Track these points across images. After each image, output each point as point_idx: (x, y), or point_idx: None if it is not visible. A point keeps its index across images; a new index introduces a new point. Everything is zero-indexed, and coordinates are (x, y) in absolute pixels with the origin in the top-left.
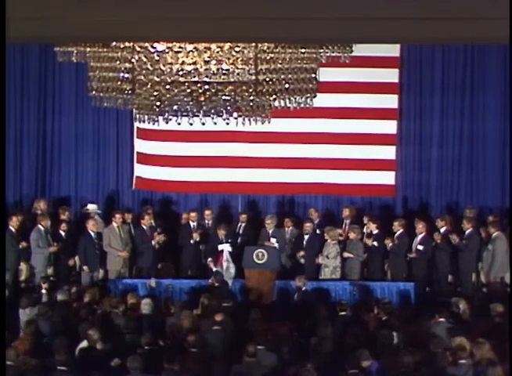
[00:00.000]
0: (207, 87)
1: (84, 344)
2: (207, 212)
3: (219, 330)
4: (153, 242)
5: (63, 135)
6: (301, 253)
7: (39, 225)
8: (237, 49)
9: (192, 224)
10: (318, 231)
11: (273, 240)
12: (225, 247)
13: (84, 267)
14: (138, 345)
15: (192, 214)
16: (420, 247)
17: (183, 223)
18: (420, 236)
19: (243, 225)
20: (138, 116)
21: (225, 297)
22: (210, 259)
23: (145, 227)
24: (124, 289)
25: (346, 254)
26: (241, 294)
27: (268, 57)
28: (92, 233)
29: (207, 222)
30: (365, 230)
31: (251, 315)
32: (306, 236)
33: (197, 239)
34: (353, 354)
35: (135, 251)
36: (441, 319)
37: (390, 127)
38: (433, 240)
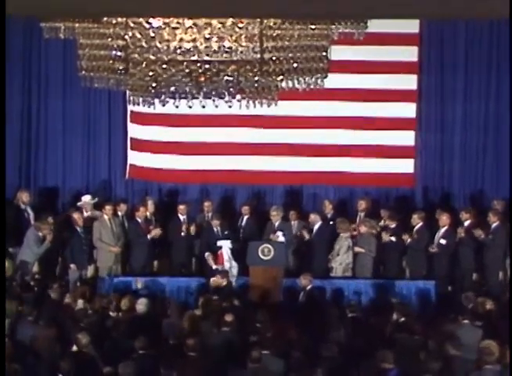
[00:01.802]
0: (207, 66)
1: (74, 348)
2: (207, 204)
3: (223, 333)
4: (148, 236)
5: (49, 119)
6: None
7: (35, 230)
8: (240, 25)
9: (182, 217)
10: (329, 224)
11: (279, 233)
12: (225, 244)
13: (72, 265)
14: (132, 348)
15: (181, 206)
16: (443, 242)
17: (174, 216)
18: (443, 230)
19: (246, 217)
20: (132, 98)
21: (227, 297)
22: (207, 254)
23: (139, 220)
24: (117, 288)
25: (357, 249)
26: (245, 293)
27: (274, 34)
28: (78, 228)
29: (206, 214)
30: (382, 223)
31: (256, 316)
32: (315, 229)
33: (191, 233)
34: (372, 357)
35: (128, 246)
36: (465, 321)
37: (408, 110)
38: (456, 235)
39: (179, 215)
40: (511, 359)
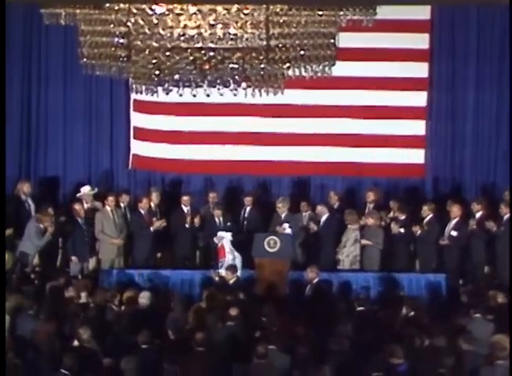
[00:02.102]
0: (212, 54)
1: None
2: (212, 195)
3: (228, 328)
4: (151, 228)
5: (50, 107)
6: (315, 228)
7: (36, 223)
8: (246, 12)
9: (185, 209)
10: (336, 216)
11: (286, 225)
12: (226, 236)
13: (73, 257)
14: (135, 343)
15: (185, 197)
16: (454, 234)
17: (177, 208)
18: (453, 221)
19: (249, 208)
20: (134, 86)
21: (232, 290)
22: (216, 240)
23: (142, 211)
24: (119, 281)
25: (364, 242)
26: (250, 286)
27: (280, 20)
28: (80, 220)
29: (211, 206)
30: (391, 215)
31: (262, 310)
32: (322, 221)
33: (195, 225)
34: (381, 351)
35: (131, 239)
36: (477, 315)
37: (419, 99)
38: (467, 226)
39: (183, 207)
40: (511, 359)
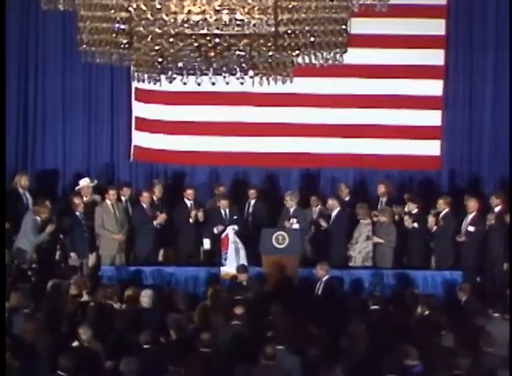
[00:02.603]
0: (217, 40)
1: (75, 343)
2: (222, 189)
3: (234, 327)
4: (154, 223)
5: (47, 97)
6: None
7: (33, 215)
8: None
9: (189, 202)
10: (347, 210)
11: (294, 220)
12: (229, 228)
13: (72, 254)
14: (137, 343)
15: (189, 191)
16: (471, 229)
17: (180, 202)
18: (470, 216)
19: (253, 201)
20: (136, 74)
21: (239, 288)
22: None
23: (144, 205)
24: (120, 278)
25: (376, 240)
26: (257, 284)
27: (290, 5)
28: (79, 214)
29: (218, 198)
30: (406, 209)
31: (270, 309)
32: (333, 215)
33: (199, 219)
34: (395, 352)
35: (132, 234)
36: (496, 315)
37: (435, 87)
38: (485, 221)
39: (186, 200)
40: (511, 358)
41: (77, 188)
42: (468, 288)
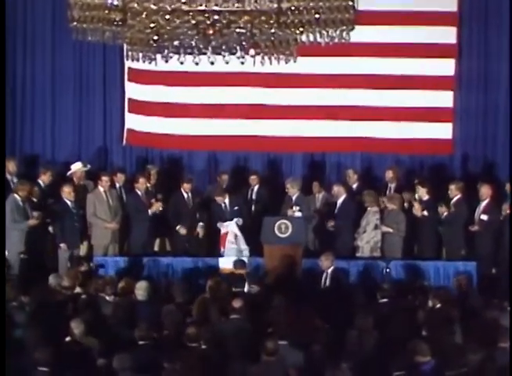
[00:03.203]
0: (216, 17)
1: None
2: (225, 177)
3: (233, 321)
4: (149, 211)
5: (36, 77)
6: (332, 223)
7: (15, 195)
8: None
9: (185, 195)
10: (355, 197)
11: (296, 208)
12: (231, 225)
13: (62, 244)
14: (131, 339)
15: (186, 185)
16: (484, 217)
17: (177, 189)
18: (483, 203)
19: (256, 188)
20: (130, 53)
21: (239, 280)
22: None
23: (139, 192)
24: (114, 269)
25: (384, 229)
26: (258, 276)
27: None
28: (69, 202)
29: (219, 189)
30: (416, 196)
31: (271, 302)
32: (338, 203)
33: (197, 207)
34: (404, 348)
35: (126, 222)
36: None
37: (447, 67)
38: (500, 209)
39: (183, 192)
40: (511, 358)
41: (68, 173)
42: (465, 280)
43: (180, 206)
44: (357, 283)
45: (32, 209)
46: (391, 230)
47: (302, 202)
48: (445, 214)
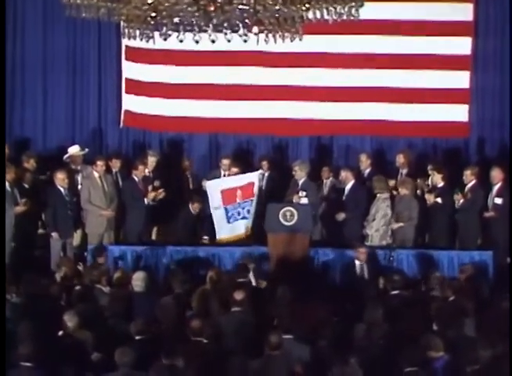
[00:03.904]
0: None
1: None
2: (226, 162)
3: (236, 314)
4: (146, 199)
5: (26, 56)
6: (342, 215)
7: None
8: None
9: (187, 175)
10: (364, 184)
11: (303, 193)
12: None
13: (53, 233)
14: (128, 333)
15: (187, 162)
16: (499, 201)
17: (177, 174)
18: (496, 187)
19: (267, 174)
20: (126, 31)
21: (242, 270)
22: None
23: (136, 178)
24: (109, 259)
25: (396, 226)
26: (262, 265)
27: None
28: (62, 188)
29: (222, 172)
30: (429, 182)
31: (276, 293)
32: (346, 189)
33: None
34: (417, 342)
35: (122, 210)
36: None
37: (462, 45)
38: None
39: (186, 173)
40: (511, 357)
41: (65, 157)
42: (470, 270)
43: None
44: (366, 274)
45: (21, 195)
46: (402, 224)
47: (309, 187)
48: (461, 201)
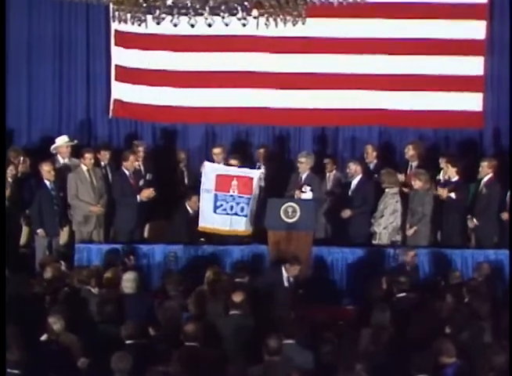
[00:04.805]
0: None
1: (45, 336)
2: (217, 151)
3: (233, 317)
4: (138, 196)
5: (11, 42)
6: (348, 212)
7: None
8: None
9: (181, 168)
10: (372, 177)
11: (307, 188)
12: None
13: (39, 230)
14: (118, 337)
15: (182, 155)
16: None
17: (170, 169)
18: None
19: (263, 166)
20: (117, 14)
21: (240, 269)
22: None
23: (127, 172)
24: (98, 258)
25: (410, 232)
26: (262, 265)
27: None
28: (48, 182)
29: (219, 162)
30: (441, 177)
31: (277, 295)
32: (353, 184)
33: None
34: (427, 347)
35: (112, 206)
36: None
37: (476, 29)
38: None
39: (180, 166)
40: (511, 358)
41: (52, 147)
42: (487, 268)
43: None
44: (372, 275)
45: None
46: (416, 228)
47: (313, 182)
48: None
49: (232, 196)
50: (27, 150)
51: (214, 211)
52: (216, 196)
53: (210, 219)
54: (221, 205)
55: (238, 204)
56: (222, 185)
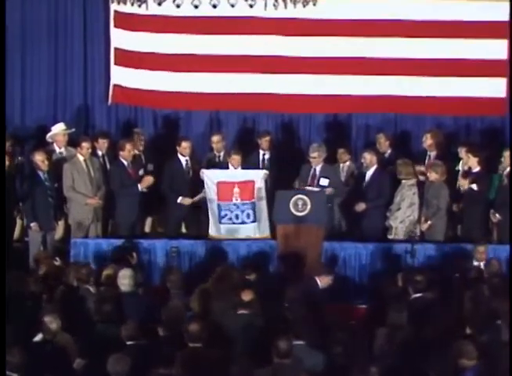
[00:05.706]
0: None
1: (38, 337)
2: (215, 139)
3: (241, 317)
4: (139, 186)
5: (5, 24)
6: (362, 205)
7: None
8: None
9: (183, 159)
10: (387, 168)
11: (325, 181)
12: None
13: (32, 224)
14: (117, 338)
15: (184, 144)
16: None
17: (173, 157)
18: None
19: (268, 154)
20: None
21: (248, 266)
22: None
23: (125, 162)
24: (96, 254)
25: (425, 226)
26: (271, 262)
27: None
28: (42, 173)
29: (216, 153)
30: (460, 167)
31: (287, 294)
32: (368, 175)
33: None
34: (446, 349)
35: (111, 198)
36: None
37: (498, 11)
38: None
39: (180, 156)
40: (511, 357)
41: (48, 135)
42: (497, 265)
43: (178, 174)
44: (388, 272)
45: None
46: (430, 223)
47: (330, 174)
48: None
49: (235, 204)
50: (20, 138)
51: (220, 222)
52: (219, 206)
53: (218, 229)
54: (226, 215)
55: (243, 211)
56: (224, 194)
